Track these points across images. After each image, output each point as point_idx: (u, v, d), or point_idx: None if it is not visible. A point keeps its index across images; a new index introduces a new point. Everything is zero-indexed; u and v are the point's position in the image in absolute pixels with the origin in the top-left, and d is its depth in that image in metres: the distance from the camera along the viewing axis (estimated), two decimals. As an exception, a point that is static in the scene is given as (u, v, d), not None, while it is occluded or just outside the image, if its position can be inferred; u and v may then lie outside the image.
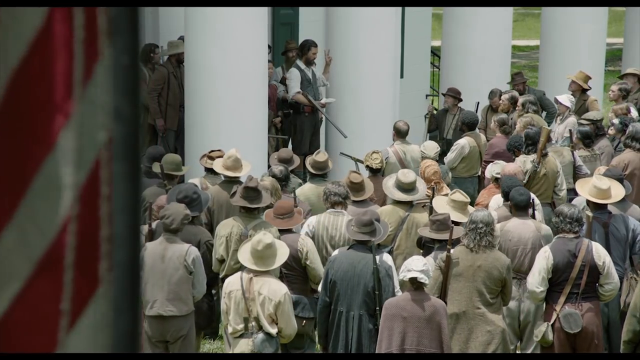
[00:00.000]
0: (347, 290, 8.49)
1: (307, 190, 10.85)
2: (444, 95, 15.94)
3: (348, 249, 8.71)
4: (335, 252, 8.83)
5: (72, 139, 1.71)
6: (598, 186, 9.73)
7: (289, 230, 9.24)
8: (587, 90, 15.67)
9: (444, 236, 8.80)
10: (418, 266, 7.96)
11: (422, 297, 8.05)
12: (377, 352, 8.23)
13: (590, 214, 9.44)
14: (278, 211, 9.26)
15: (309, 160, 11.21)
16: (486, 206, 10.54)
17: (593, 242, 8.95)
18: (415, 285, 7.99)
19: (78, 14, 1.70)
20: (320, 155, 11.17)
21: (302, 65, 14.86)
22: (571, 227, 8.81)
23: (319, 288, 8.86)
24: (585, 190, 9.83)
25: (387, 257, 8.79)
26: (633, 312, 8.41)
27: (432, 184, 10.70)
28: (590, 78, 15.75)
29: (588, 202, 9.86)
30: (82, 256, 1.73)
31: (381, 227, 8.74)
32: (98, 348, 1.75)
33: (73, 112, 1.70)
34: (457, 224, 9.23)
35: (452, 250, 8.68)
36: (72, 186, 1.72)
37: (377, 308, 8.42)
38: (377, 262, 8.43)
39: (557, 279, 8.79)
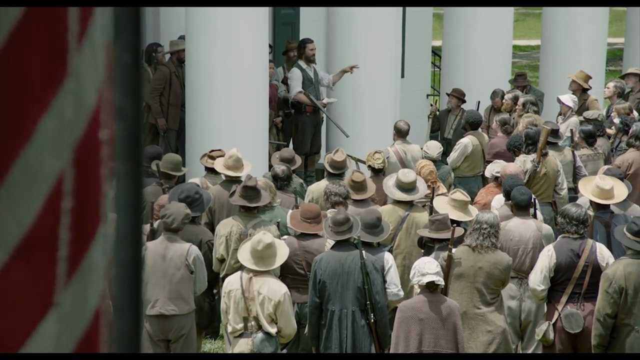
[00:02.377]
0: (338, 289, 8.41)
1: (322, 187, 10.81)
2: (448, 95, 15.92)
3: (331, 248, 8.65)
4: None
5: (52, 129, 1.71)
6: (601, 186, 9.71)
7: (316, 235, 9.14)
8: (587, 89, 15.66)
9: (443, 236, 8.79)
10: (432, 269, 7.99)
11: (438, 299, 8.08)
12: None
13: (592, 213, 9.43)
14: (305, 215, 9.10)
15: (326, 158, 11.20)
16: (484, 205, 10.53)
17: (597, 243, 8.93)
18: (431, 288, 8.01)
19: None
20: (338, 155, 11.14)
21: (304, 65, 14.84)
22: (577, 229, 8.78)
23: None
24: (588, 190, 9.81)
25: (387, 256, 8.78)
26: (597, 317, 8.44)
27: (429, 183, 10.68)
28: (590, 77, 15.74)
29: (590, 201, 9.84)
30: (66, 242, 1.75)
31: (358, 221, 8.66)
32: (71, 336, 1.77)
33: (52, 101, 1.70)
34: (458, 223, 9.23)
35: (454, 250, 8.68)
36: (51, 175, 1.72)
37: (368, 302, 8.39)
38: (364, 256, 8.38)
39: (559, 278, 8.78)
